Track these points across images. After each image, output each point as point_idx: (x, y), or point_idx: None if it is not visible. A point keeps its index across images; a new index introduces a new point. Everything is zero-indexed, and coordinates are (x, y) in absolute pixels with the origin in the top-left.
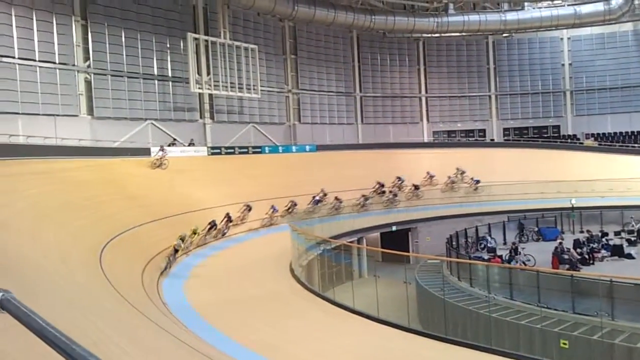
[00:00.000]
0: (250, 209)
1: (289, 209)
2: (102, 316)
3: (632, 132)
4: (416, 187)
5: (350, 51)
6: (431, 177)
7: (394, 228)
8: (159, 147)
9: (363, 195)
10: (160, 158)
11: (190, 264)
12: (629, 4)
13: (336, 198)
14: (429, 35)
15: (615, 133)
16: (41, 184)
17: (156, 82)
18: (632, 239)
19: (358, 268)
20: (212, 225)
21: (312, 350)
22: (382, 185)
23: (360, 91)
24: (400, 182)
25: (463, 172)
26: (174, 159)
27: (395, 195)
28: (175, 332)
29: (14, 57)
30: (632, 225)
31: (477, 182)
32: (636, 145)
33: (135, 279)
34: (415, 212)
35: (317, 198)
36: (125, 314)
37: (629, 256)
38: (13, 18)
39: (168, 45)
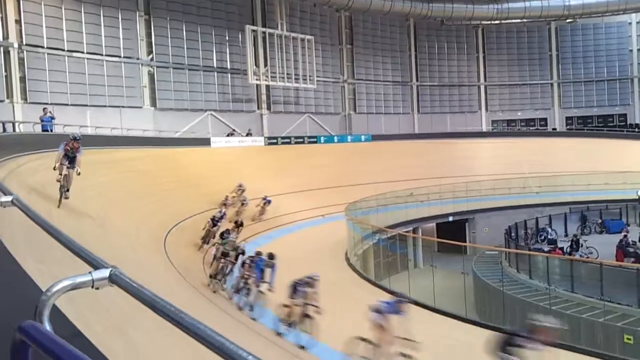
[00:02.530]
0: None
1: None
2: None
3: None
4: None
5: (406, 40)
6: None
7: (450, 219)
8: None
9: None
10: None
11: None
12: None
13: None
14: (489, 22)
15: None
16: (108, 173)
17: (215, 73)
18: None
19: (414, 258)
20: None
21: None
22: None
23: (417, 80)
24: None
25: (243, 190)
26: (233, 149)
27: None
28: (234, 313)
29: (83, 52)
30: None
31: (268, 202)
32: None
33: (198, 264)
34: (473, 202)
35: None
36: (192, 298)
37: None
38: (82, 15)
39: (227, 38)
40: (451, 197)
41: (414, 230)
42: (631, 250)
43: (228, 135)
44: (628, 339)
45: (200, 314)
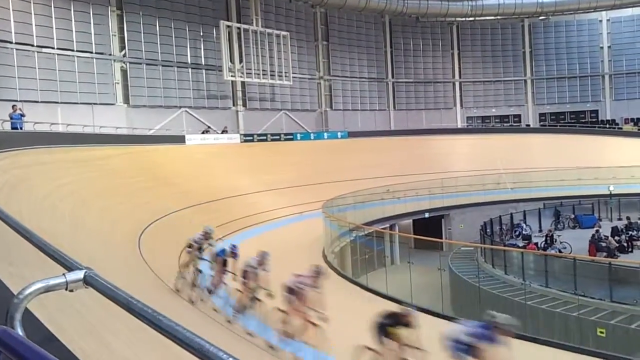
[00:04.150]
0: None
1: None
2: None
3: None
4: None
5: (382, 37)
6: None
7: (426, 215)
8: None
9: None
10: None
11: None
12: None
13: None
14: (463, 19)
15: None
16: (81, 172)
17: (190, 70)
18: None
19: (391, 255)
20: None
21: (347, 331)
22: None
23: (393, 77)
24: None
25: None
26: (209, 146)
27: None
28: (208, 311)
29: (53, 48)
30: None
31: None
32: None
33: (174, 264)
34: (449, 198)
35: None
36: (168, 298)
37: None
38: (52, 10)
39: (201, 34)
40: (427, 194)
41: (391, 227)
42: (603, 244)
43: (203, 133)
44: (601, 332)
45: (176, 315)
